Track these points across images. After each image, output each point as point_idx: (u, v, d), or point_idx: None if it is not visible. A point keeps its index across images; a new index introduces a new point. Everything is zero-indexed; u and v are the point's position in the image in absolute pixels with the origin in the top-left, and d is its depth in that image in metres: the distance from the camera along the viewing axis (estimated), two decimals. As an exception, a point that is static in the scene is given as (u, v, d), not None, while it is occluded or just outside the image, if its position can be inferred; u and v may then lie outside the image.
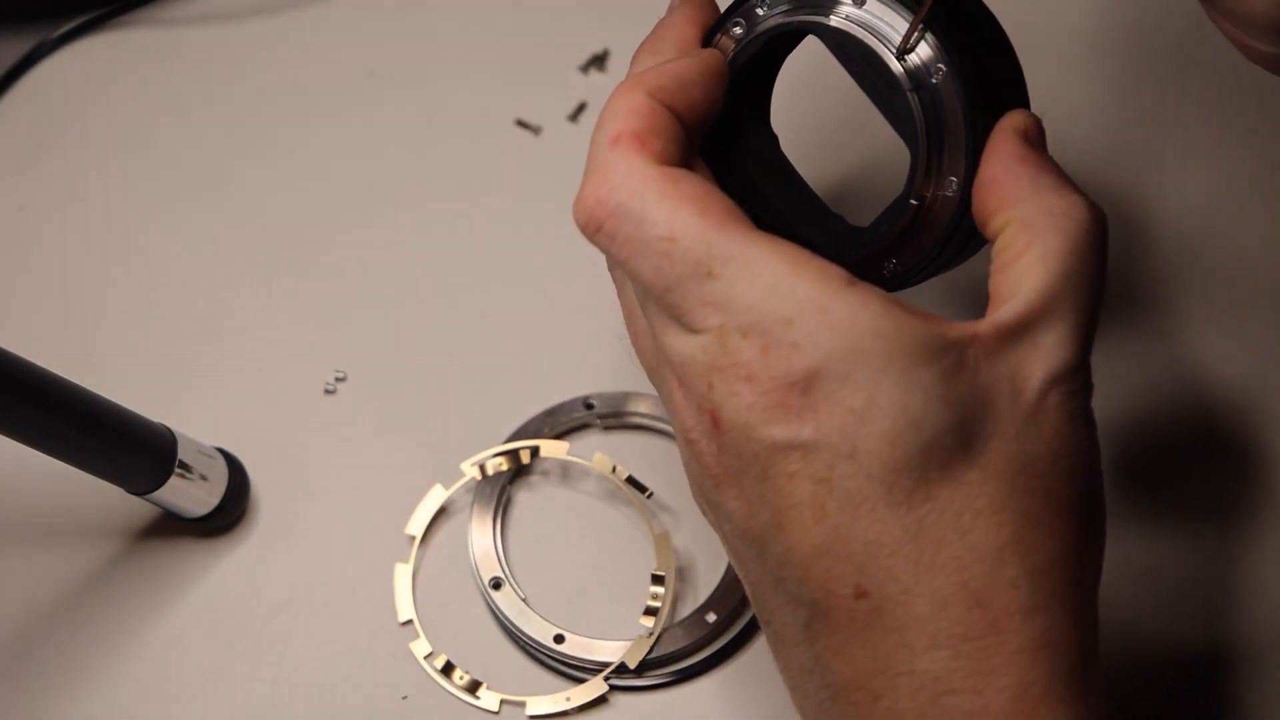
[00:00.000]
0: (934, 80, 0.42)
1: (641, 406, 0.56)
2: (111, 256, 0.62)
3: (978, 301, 0.40)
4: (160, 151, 0.65)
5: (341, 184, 0.63)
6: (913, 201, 0.43)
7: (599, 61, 0.66)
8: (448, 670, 0.52)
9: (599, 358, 0.58)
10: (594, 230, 0.39)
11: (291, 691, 0.52)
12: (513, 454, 0.55)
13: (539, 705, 0.52)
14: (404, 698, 0.52)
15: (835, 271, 0.38)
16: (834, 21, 0.43)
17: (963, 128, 0.41)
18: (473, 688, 0.52)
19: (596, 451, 0.55)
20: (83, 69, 0.67)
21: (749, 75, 0.45)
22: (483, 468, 0.55)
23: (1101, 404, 0.40)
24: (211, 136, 0.65)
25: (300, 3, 0.68)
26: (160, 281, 0.61)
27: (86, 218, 0.63)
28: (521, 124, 0.65)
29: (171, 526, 0.55)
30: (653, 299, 0.39)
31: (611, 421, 0.57)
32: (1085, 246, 0.39)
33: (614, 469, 0.55)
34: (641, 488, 0.54)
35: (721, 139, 0.45)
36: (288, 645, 0.53)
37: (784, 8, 0.44)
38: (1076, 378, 0.39)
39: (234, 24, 0.68)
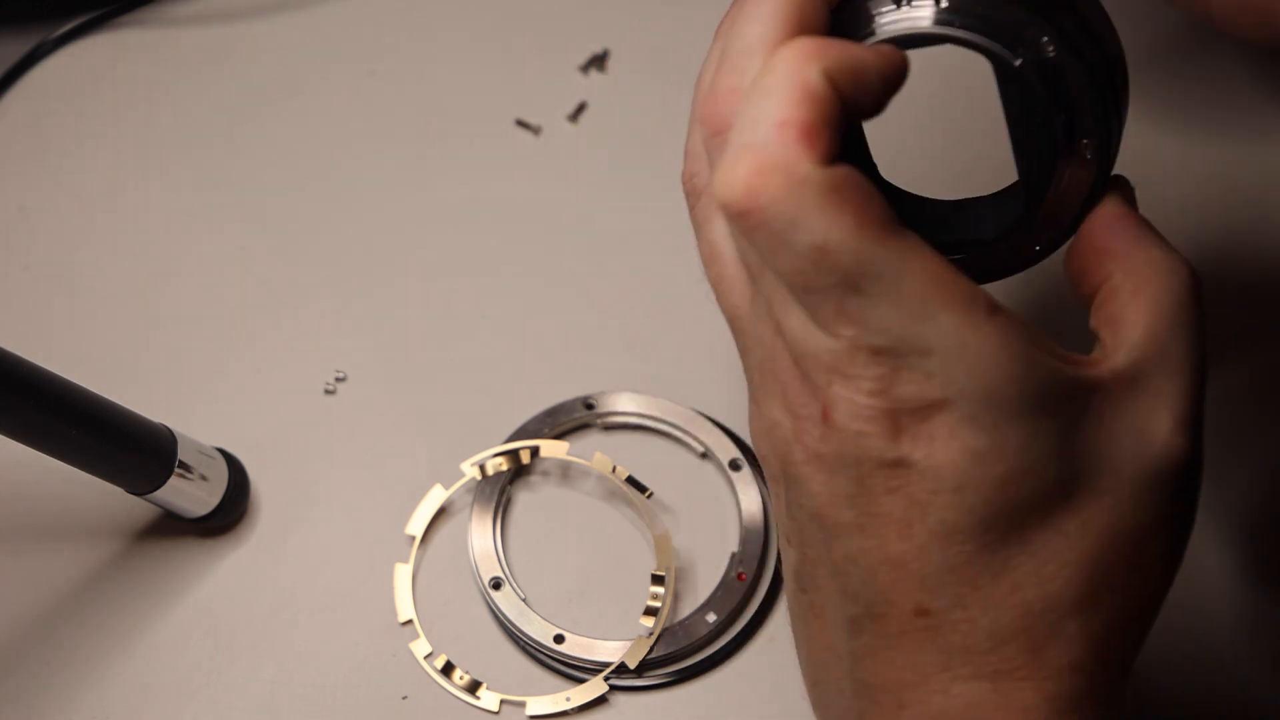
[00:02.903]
0: (1085, 154, 0.40)
1: (641, 406, 0.56)
2: (111, 256, 0.62)
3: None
4: (160, 151, 0.65)
5: (341, 184, 0.63)
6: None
7: (599, 61, 0.66)
8: (448, 670, 0.52)
9: (599, 358, 0.58)
10: (736, 215, 0.36)
11: (291, 691, 0.52)
12: (513, 454, 0.55)
13: (539, 705, 0.52)
14: (404, 698, 0.52)
15: (982, 299, 0.36)
16: (1027, 67, 0.39)
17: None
18: (473, 688, 0.52)
19: (596, 451, 0.55)
20: (83, 69, 0.67)
21: None
22: (483, 468, 0.55)
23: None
24: (211, 137, 0.65)
25: (300, 3, 0.68)
26: (160, 281, 0.61)
27: (86, 218, 0.63)
28: (521, 124, 0.65)
29: (171, 526, 0.55)
30: (786, 285, 0.37)
31: (611, 421, 0.57)
32: (1190, 297, 0.38)
33: (614, 469, 0.55)
34: (641, 488, 0.54)
35: None
36: (288, 645, 0.53)
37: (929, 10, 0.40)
38: (1197, 429, 0.38)
39: (234, 24, 0.68)
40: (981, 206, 0.44)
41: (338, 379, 0.58)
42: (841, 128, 0.37)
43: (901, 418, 0.36)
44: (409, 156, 0.64)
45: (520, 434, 0.56)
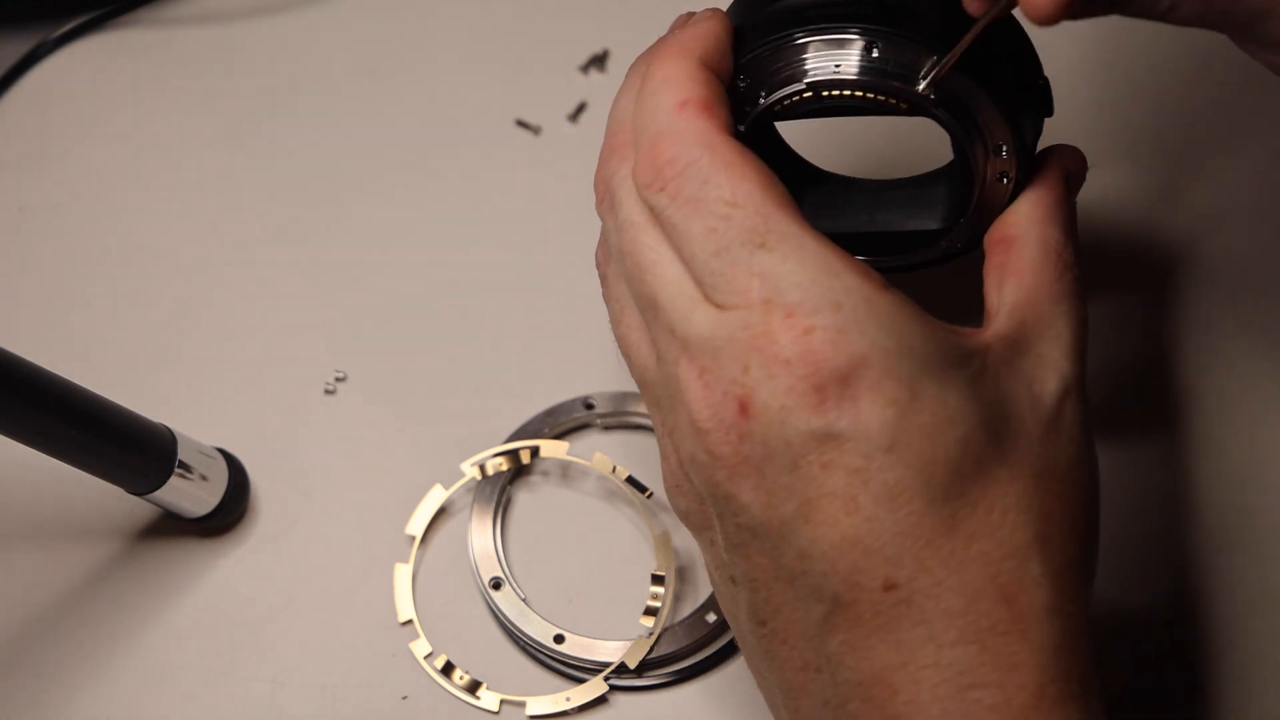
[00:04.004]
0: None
1: (642, 406, 0.56)
2: (111, 256, 0.62)
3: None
4: (160, 151, 0.65)
5: (341, 184, 0.63)
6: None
7: (599, 61, 0.66)
8: (448, 670, 0.52)
9: (599, 358, 0.58)
10: (658, 188, 0.40)
11: (291, 691, 0.52)
12: (513, 454, 0.55)
13: (539, 705, 0.52)
14: (404, 698, 0.52)
15: (875, 274, 0.39)
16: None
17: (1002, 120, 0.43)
18: (473, 688, 0.52)
19: (596, 451, 0.55)
20: (83, 69, 0.67)
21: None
22: (483, 468, 0.55)
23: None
24: (211, 136, 0.65)
25: (300, 3, 0.68)
26: (160, 281, 0.61)
27: (86, 218, 0.63)
28: (521, 124, 0.65)
29: (171, 526, 0.55)
30: (695, 264, 0.39)
31: (611, 421, 0.57)
32: (1061, 279, 0.42)
33: (614, 469, 0.55)
34: (641, 488, 0.54)
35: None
36: (288, 645, 0.53)
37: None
38: (1081, 388, 0.41)
39: (234, 24, 0.68)
40: (905, 190, 0.48)
41: (338, 379, 0.58)
42: (729, 106, 0.41)
43: (824, 384, 0.37)
44: (409, 156, 0.64)
45: (520, 434, 0.56)
